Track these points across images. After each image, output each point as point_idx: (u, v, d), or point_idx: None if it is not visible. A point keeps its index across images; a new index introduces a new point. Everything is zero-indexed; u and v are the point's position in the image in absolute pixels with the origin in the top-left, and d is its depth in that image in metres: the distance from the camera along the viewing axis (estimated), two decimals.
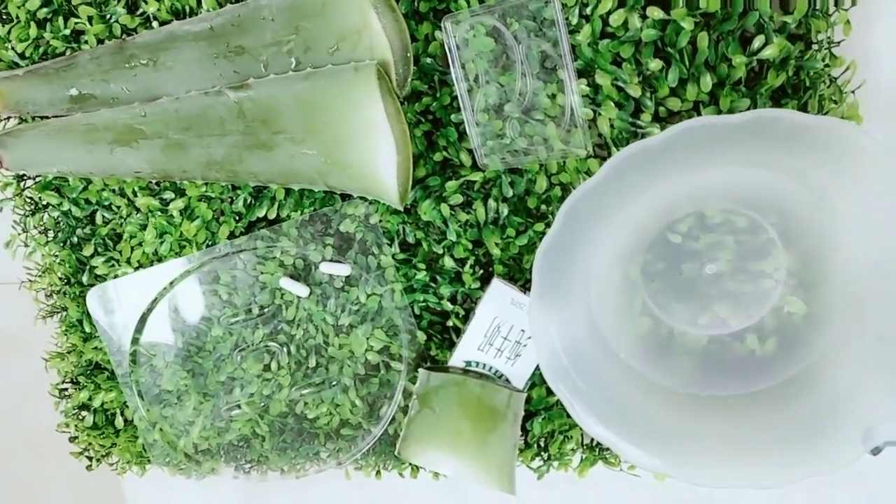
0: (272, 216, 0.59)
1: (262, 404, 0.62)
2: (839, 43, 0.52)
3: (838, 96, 0.53)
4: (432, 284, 0.58)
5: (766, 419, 0.49)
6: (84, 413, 0.66)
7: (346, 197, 0.58)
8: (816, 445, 0.45)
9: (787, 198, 0.49)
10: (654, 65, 0.51)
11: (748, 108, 0.52)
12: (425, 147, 0.56)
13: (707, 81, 0.51)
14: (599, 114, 0.53)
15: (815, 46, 0.52)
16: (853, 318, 0.48)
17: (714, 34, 0.51)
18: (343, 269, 0.58)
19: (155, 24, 0.58)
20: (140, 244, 0.61)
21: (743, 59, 0.50)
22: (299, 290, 0.59)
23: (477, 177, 0.55)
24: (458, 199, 0.56)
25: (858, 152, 0.41)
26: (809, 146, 0.42)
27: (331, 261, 0.59)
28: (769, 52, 0.50)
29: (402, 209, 0.55)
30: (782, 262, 0.52)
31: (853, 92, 0.53)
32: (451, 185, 0.56)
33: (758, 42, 0.50)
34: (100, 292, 0.61)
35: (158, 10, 0.58)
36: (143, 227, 0.61)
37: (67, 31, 0.59)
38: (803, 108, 0.52)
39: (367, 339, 0.60)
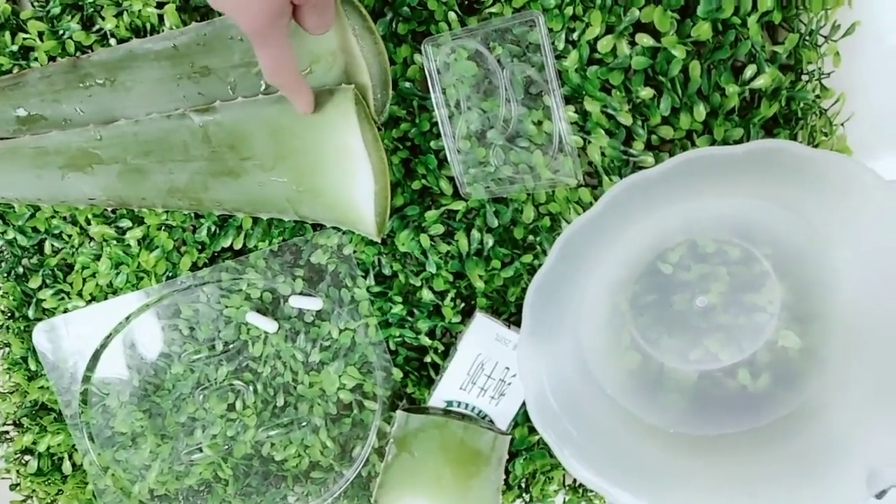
0: (238, 246, 0.57)
1: (226, 446, 0.59)
2: (829, 74, 0.53)
3: (828, 128, 0.53)
4: (409, 318, 0.56)
5: (761, 460, 0.48)
6: (28, 457, 0.62)
7: (317, 226, 0.56)
8: (817, 489, 0.45)
9: (782, 229, 0.49)
10: (646, 93, 0.51)
11: (742, 138, 0.52)
12: (403, 175, 0.55)
13: (700, 111, 0.51)
14: (589, 142, 0.52)
15: (804, 77, 0.52)
16: (851, 353, 0.48)
17: (706, 63, 0.51)
18: (314, 303, 0.56)
19: (112, 41, 0.56)
20: (93, 275, 0.59)
21: (736, 89, 0.51)
22: (267, 325, 0.56)
23: (459, 206, 0.54)
24: (438, 229, 0.54)
25: (859, 187, 0.41)
26: (809, 179, 0.42)
27: (301, 294, 0.56)
28: (762, 82, 0.50)
29: (379, 240, 0.53)
30: (776, 294, 0.52)
31: (842, 124, 0.53)
32: (431, 214, 0.54)
33: (749, 71, 0.51)
34: (47, 327, 0.58)
35: (117, 26, 0.55)
36: (97, 258, 0.58)
37: (15, 48, 0.56)
38: (794, 139, 0.53)
39: (340, 376, 0.58)
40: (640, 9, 0.49)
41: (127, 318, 0.58)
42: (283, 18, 0.41)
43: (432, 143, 0.54)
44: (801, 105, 0.52)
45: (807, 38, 0.51)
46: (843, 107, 0.53)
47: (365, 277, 0.56)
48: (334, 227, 0.55)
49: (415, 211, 0.54)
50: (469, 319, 0.55)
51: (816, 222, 0.47)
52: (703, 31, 0.49)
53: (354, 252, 0.56)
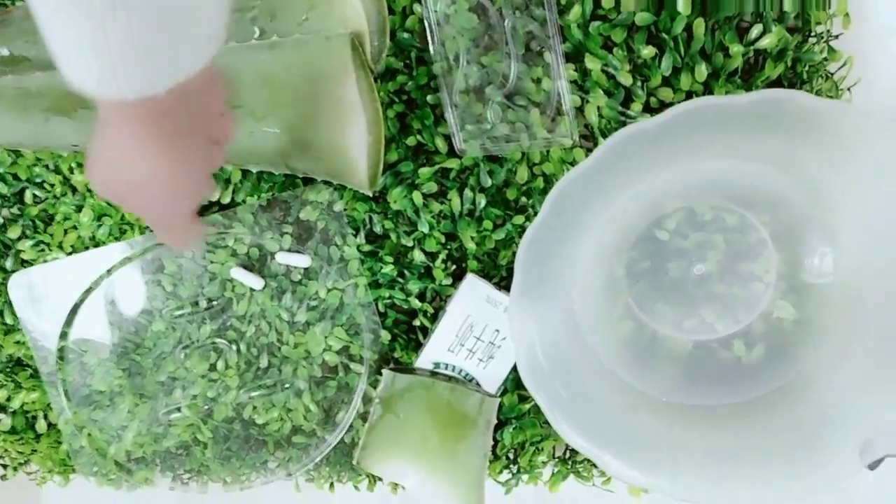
0: (226, 200, 0.56)
1: (206, 408, 0.58)
2: (837, 36, 0.52)
3: (834, 92, 0.53)
4: (399, 280, 0.56)
5: (755, 431, 0.48)
6: (1, 415, 0.61)
7: (308, 181, 0.55)
8: (811, 460, 0.45)
9: (782, 194, 0.49)
10: (647, 52, 0.50)
11: None
12: (398, 130, 0.54)
13: (702, 70, 0.50)
14: (587, 101, 0.52)
15: (812, 39, 0.51)
16: (848, 324, 0.48)
17: (710, 21, 0.50)
18: (302, 261, 0.55)
19: None
20: (75, 227, 0.57)
21: (740, 49, 0.50)
22: (253, 281, 0.55)
23: (453, 164, 0.53)
24: (431, 187, 0.54)
25: (867, 140, 0.40)
26: (815, 133, 0.41)
27: (289, 251, 0.55)
28: (767, 42, 0.50)
29: (370, 195, 0.52)
30: (773, 264, 0.51)
31: (849, 89, 0.53)
32: (425, 171, 0.53)
33: (756, 31, 0.50)
34: (24, 279, 0.57)
35: None
36: (80, 209, 0.57)
37: None
38: None
39: (326, 337, 0.57)
40: None
41: (108, 272, 0.56)
42: (194, 196, 0.42)
43: (429, 98, 0.53)
44: (808, 67, 0.51)
45: None
46: (850, 71, 0.52)
47: (356, 235, 0.55)
48: (325, 182, 0.54)
49: (408, 167, 0.54)
50: (459, 283, 0.54)
51: (818, 184, 0.47)
52: None
53: (345, 209, 0.55)
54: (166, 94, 0.33)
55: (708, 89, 0.51)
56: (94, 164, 0.39)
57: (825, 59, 0.52)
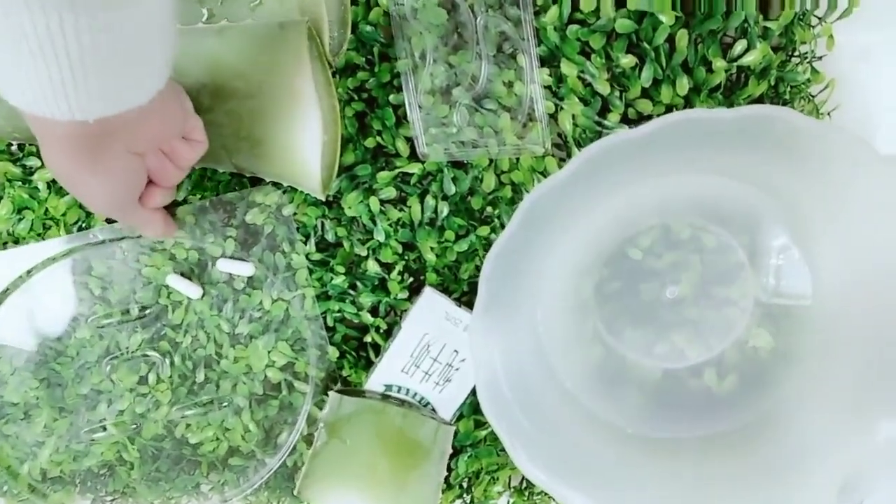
0: None
1: (134, 425, 0.54)
2: (821, 58, 0.52)
3: (815, 116, 0.52)
4: (351, 292, 0.53)
5: (727, 466, 0.47)
6: None
7: (255, 182, 0.52)
8: (786, 498, 0.43)
9: (763, 216, 0.48)
10: (627, 61, 0.49)
11: None
12: (356, 130, 0.51)
13: (684, 84, 0.49)
14: (561, 108, 0.50)
15: (795, 59, 0.51)
16: (827, 353, 0.47)
17: (694, 33, 0.49)
18: (245, 269, 0.51)
19: None
20: None
21: (723, 64, 0.49)
22: (190, 290, 0.52)
23: (415, 169, 0.50)
24: (390, 192, 0.51)
25: (856, 165, 0.39)
26: (801, 154, 0.40)
27: (231, 257, 0.52)
28: (751, 59, 0.49)
29: (323, 199, 0.49)
30: (750, 288, 0.50)
31: (829, 114, 0.53)
32: (384, 175, 0.51)
33: (739, 47, 0.49)
34: None
35: None
36: None
37: None
38: None
39: (269, 352, 0.53)
40: None
41: (28, 273, 0.52)
42: (130, 204, 0.45)
43: (391, 98, 0.50)
44: (790, 88, 0.51)
45: (801, 16, 0.50)
46: (832, 95, 0.52)
47: (305, 243, 0.52)
48: (274, 184, 0.51)
49: (366, 171, 0.51)
50: (417, 297, 0.51)
51: (801, 206, 0.46)
52: None
53: (295, 214, 0.52)
54: (95, 122, 0.35)
55: (689, 103, 0.50)
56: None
57: (808, 80, 0.51)
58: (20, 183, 0.52)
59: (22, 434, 0.54)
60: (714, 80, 0.49)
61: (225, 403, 0.54)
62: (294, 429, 0.54)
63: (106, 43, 0.32)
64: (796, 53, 0.51)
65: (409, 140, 0.51)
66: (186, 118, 0.44)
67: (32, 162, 0.52)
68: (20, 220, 0.53)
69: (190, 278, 0.52)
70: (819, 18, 0.50)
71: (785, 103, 0.51)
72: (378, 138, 0.51)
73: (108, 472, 0.55)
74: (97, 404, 0.54)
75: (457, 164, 0.51)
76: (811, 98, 0.52)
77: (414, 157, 0.51)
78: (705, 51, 0.49)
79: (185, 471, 0.55)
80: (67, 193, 0.52)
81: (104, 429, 0.54)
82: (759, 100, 0.51)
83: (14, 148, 0.53)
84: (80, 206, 0.52)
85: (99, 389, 0.54)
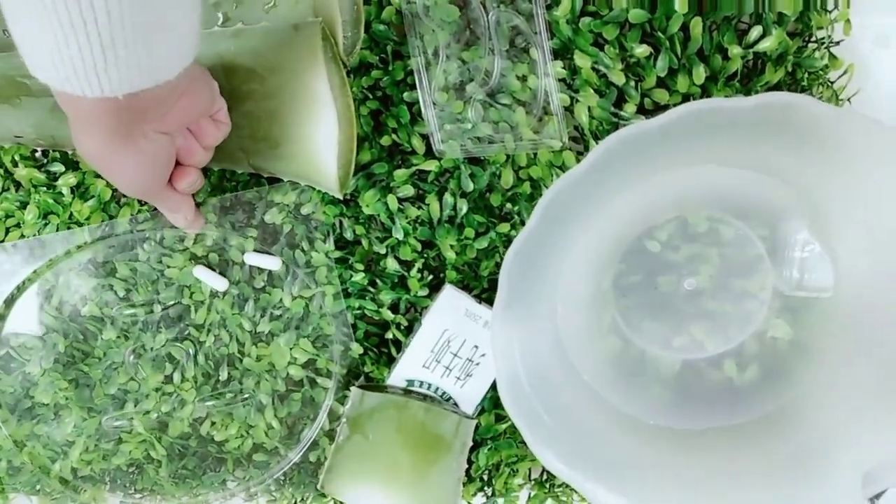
0: None
1: (160, 423, 0.56)
2: (838, 43, 0.52)
3: (834, 101, 0.53)
4: (371, 289, 0.54)
5: (749, 457, 0.47)
6: None
7: (273, 181, 0.54)
8: (809, 489, 0.44)
9: (783, 208, 0.48)
10: (641, 51, 0.49)
11: None
12: (371, 128, 0.52)
13: (700, 73, 0.49)
14: (577, 101, 0.51)
15: (812, 44, 0.52)
16: (848, 345, 0.47)
17: (708, 21, 0.50)
18: (272, 263, 0.53)
19: None
20: (18, 225, 0.55)
21: (739, 51, 0.49)
22: (217, 282, 0.54)
23: (431, 166, 0.52)
24: (408, 190, 0.52)
25: (875, 153, 0.40)
26: (822, 143, 0.41)
27: (258, 251, 0.53)
28: (767, 45, 0.49)
29: (340, 198, 0.51)
30: (769, 280, 0.51)
31: (849, 100, 0.53)
32: (401, 173, 0.52)
33: (755, 33, 0.50)
34: None
35: None
36: (23, 205, 0.55)
37: None
38: None
39: (291, 349, 0.55)
40: None
41: (49, 263, 0.54)
42: (161, 186, 0.46)
43: (405, 95, 0.52)
44: (808, 74, 0.51)
45: (816, 1, 0.50)
46: (851, 80, 0.52)
47: (324, 241, 0.53)
48: (292, 183, 0.52)
49: (383, 169, 0.52)
50: (437, 294, 0.52)
51: (821, 196, 0.46)
52: None
53: (313, 212, 0.53)
54: (125, 99, 0.35)
55: (706, 92, 0.51)
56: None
57: (826, 65, 0.52)
58: (45, 188, 0.54)
59: (53, 434, 0.56)
60: (731, 68, 0.50)
61: (248, 401, 0.56)
62: (315, 424, 0.56)
63: (133, 11, 0.32)
64: (813, 39, 0.51)
65: (425, 137, 0.52)
66: (214, 99, 0.45)
67: (57, 168, 0.54)
68: (45, 224, 0.54)
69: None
70: (835, 2, 0.50)
71: (803, 90, 0.51)
72: (394, 136, 0.52)
73: (136, 470, 0.57)
74: (125, 403, 0.56)
75: (474, 161, 0.52)
76: (830, 84, 0.52)
77: (430, 154, 0.52)
78: (720, 38, 0.49)
79: (212, 468, 0.57)
80: (91, 197, 0.54)
81: (132, 427, 0.56)
82: (777, 87, 0.51)
83: (39, 154, 0.55)
84: (104, 210, 0.55)
85: (126, 389, 0.56)
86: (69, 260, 0.54)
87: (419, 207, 0.53)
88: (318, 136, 0.48)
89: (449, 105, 0.50)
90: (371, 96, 0.52)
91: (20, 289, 0.55)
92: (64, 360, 0.56)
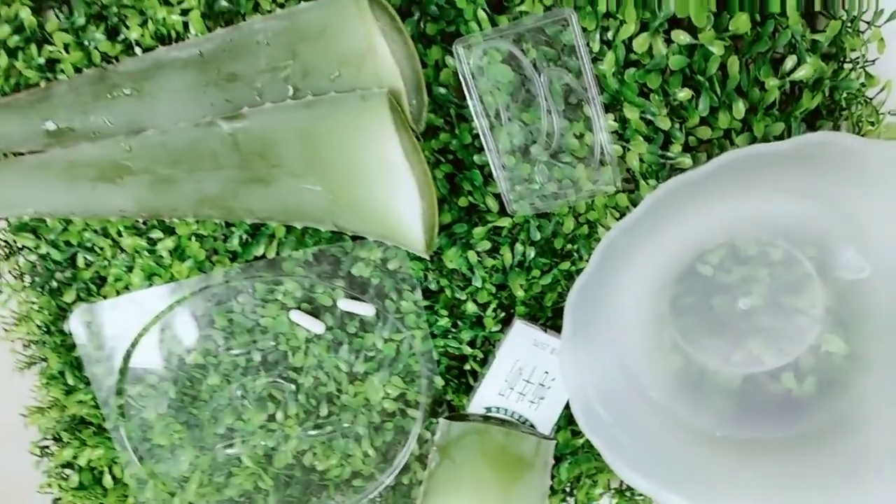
0: (271, 255, 0.60)
1: (267, 456, 0.64)
2: (874, 62, 0.55)
3: (874, 117, 0.56)
4: (453, 330, 0.61)
5: (813, 465, 0.51)
6: (68, 472, 0.67)
7: (356, 237, 0.60)
8: (866, 499, 0.48)
9: (827, 228, 0.52)
10: (684, 94, 0.54)
11: (783, 132, 0.55)
12: (448, 191, 0.58)
13: (740, 108, 0.54)
14: (628, 149, 0.56)
15: (847, 65, 0.55)
16: None
17: (744, 58, 0.54)
18: (366, 309, 0.60)
19: (138, 50, 0.59)
20: (126, 287, 0.63)
21: (776, 82, 0.53)
22: (314, 325, 0.61)
23: (505, 223, 0.58)
24: (485, 245, 0.59)
25: None
26: (858, 172, 0.45)
27: (349, 298, 0.60)
28: (803, 73, 0.53)
29: (427, 258, 0.57)
30: (819, 298, 0.55)
31: (889, 112, 0.56)
32: (479, 231, 0.58)
33: (790, 62, 0.53)
34: (87, 316, 0.62)
35: (142, 35, 0.59)
36: (130, 269, 0.62)
37: (41, 60, 0.60)
38: (838, 130, 0.56)
39: (384, 386, 0.62)
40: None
41: (155, 318, 0.61)
42: None
43: (476, 158, 0.57)
44: (845, 95, 0.54)
45: (849, 24, 0.53)
46: (889, 95, 0.55)
47: (412, 291, 0.60)
48: (377, 242, 0.59)
49: (462, 228, 0.58)
50: (507, 328, 0.59)
51: (864, 220, 0.50)
52: (740, 23, 0.52)
53: (400, 267, 0.60)
54: None
55: (746, 124, 0.55)
56: None
57: (863, 84, 0.54)
58: (147, 253, 0.61)
59: (170, 471, 0.64)
60: (769, 99, 0.53)
61: (347, 433, 0.63)
62: (405, 449, 0.63)
63: None
64: (847, 60, 0.54)
65: (497, 196, 0.58)
66: None
67: (156, 234, 0.61)
68: (150, 284, 0.62)
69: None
70: (867, 23, 0.53)
71: (842, 110, 0.55)
72: (469, 198, 0.58)
73: (247, 500, 0.65)
74: (233, 441, 0.64)
75: (541, 214, 0.58)
76: (868, 101, 0.56)
77: (503, 211, 0.58)
78: (757, 72, 0.53)
79: (314, 494, 0.64)
80: (188, 258, 0.61)
81: (241, 461, 0.64)
82: (816, 111, 0.55)
83: (140, 223, 0.62)
84: (200, 268, 0.61)
85: (233, 428, 0.64)
86: (171, 314, 0.62)
87: (494, 258, 0.59)
88: (401, 204, 0.52)
89: (517, 168, 0.56)
90: (443, 160, 0.58)
91: (134, 344, 0.62)
92: (175, 405, 0.63)
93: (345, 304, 0.61)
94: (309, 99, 0.53)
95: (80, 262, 0.63)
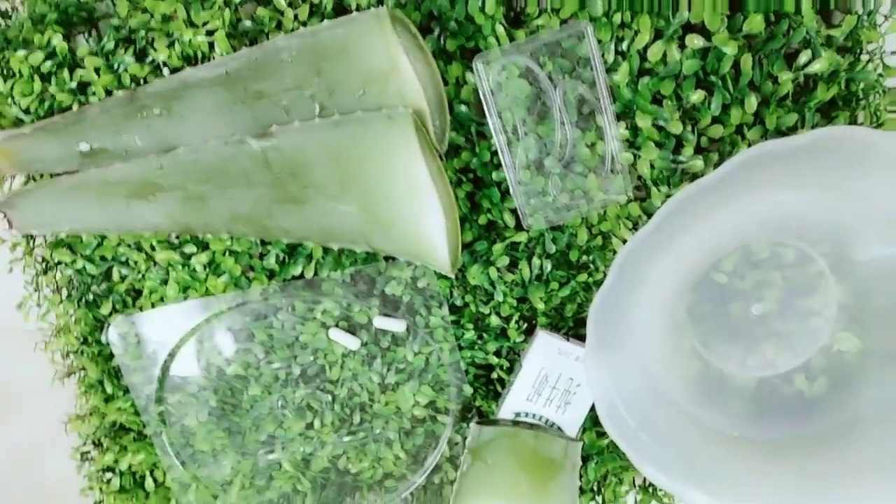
0: (309, 275, 0.62)
1: (304, 460, 0.67)
2: (893, 53, 0.55)
3: (894, 106, 0.56)
4: (478, 341, 0.64)
5: (828, 464, 0.53)
6: (109, 475, 0.70)
7: (388, 257, 0.61)
8: (885, 497, 0.49)
9: (842, 222, 0.52)
10: (697, 97, 0.54)
11: (796, 123, 0.55)
12: (469, 209, 0.60)
13: (752, 102, 0.54)
14: (639, 157, 0.57)
15: (864, 57, 0.54)
16: None
17: (757, 55, 0.54)
18: (398, 325, 0.63)
19: (166, 71, 0.61)
20: (162, 299, 0.65)
21: (789, 76, 0.53)
22: (350, 342, 0.64)
23: (521, 237, 0.60)
24: (504, 260, 0.61)
25: None
26: (875, 164, 0.45)
27: (384, 315, 0.63)
28: (817, 67, 0.53)
29: (452, 277, 0.60)
30: (832, 296, 0.56)
31: None
32: (498, 248, 0.60)
33: (804, 57, 0.53)
34: (124, 327, 0.64)
35: (169, 56, 0.60)
36: (164, 282, 0.65)
37: (74, 84, 0.62)
38: (854, 121, 0.56)
39: (414, 395, 0.65)
40: (688, 7, 0.52)
41: (192, 330, 0.64)
42: None
43: (494, 175, 0.59)
44: (862, 85, 0.54)
45: (865, 18, 0.52)
46: None
47: (440, 307, 0.63)
48: (407, 261, 0.61)
49: (483, 246, 0.60)
50: (531, 337, 0.62)
51: (881, 212, 0.50)
52: (755, 24, 0.52)
53: (429, 284, 0.62)
54: None
55: (758, 117, 0.55)
56: None
57: (880, 75, 0.54)
58: (181, 266, 0.64)
59: (213, 475, 0.67)
60: (782, 91, 0.53)
61: (379, 438, 0.66)
62: (436, 451, 0.66)
63: None
64: (864, 52, 0.53)
65: (513, 211, 0.59)
66: None
67: (190, 249, 0.63)
68: (185, 297, 0.64)
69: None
70: (884, 17, 0.53)
71: (859, 100, 0.54)
72: (488, 215, 0.60)
73: (285, 501, 0.68)
74: (273, 448, 0.67)
75: (555, 227, 0.60)
76: (885, 91, 0.55)
77: (519, 226, 0.60)
78: (770, 67, 0.53)
79: (349, 494, 0.68)
80: (223, 273, 0.63)
81: (280, 466, 0.67)
82: (831, 102, 0.54)
83: (173, 238, 0.64)
84: (236, 284, 0.63)
85: (273, 435, 0.67)
86: (209, 327, 0.64)
87: (513, 272, 0.61)
88: (427, 223, 0.54)
89: (532, 182, 0.57)
90: (464, 179, 0.59)
91: (172, 354, 0.65)
92: (217, 413, 0.66)
93: (379, 322, 0.63)
94: (336, 118, 0.54)
95: (115, 275, 0.66)
